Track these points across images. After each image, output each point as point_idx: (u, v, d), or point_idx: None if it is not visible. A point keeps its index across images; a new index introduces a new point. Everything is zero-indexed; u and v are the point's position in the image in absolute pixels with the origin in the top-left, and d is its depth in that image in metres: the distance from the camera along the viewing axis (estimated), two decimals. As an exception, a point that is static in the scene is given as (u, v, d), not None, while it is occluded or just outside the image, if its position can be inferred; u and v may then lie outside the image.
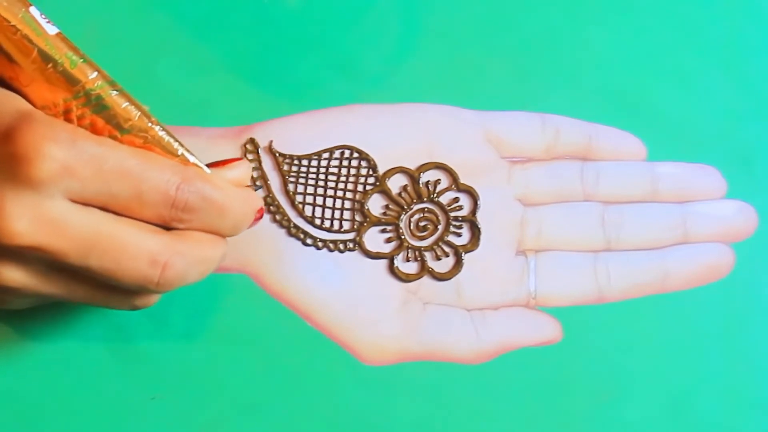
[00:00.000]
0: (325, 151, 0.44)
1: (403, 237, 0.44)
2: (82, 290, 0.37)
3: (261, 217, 0.40)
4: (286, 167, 0.44)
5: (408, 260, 0.44)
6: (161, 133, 0.36)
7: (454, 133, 0.45)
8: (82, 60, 0.35)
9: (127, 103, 0.36)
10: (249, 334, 0.44)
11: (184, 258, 0.36)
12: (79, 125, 0.35)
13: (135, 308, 0.39)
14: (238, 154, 0.44)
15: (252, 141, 0.44)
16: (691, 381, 0.45)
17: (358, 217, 0.44)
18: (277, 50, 0.46)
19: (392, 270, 0.44)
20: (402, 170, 0.44)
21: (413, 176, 0.44)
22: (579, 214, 0.46)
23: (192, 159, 0.37)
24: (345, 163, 0.44)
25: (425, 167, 0.45)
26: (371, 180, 0.44)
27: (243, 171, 0.39)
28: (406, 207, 0.45)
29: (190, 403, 0.43)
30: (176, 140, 0.37)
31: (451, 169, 0.45)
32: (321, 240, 0.44)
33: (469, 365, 0.44)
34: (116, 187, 0.35)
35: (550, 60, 0.48)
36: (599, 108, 0.47)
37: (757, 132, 0.48)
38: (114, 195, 0.35)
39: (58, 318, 0.43)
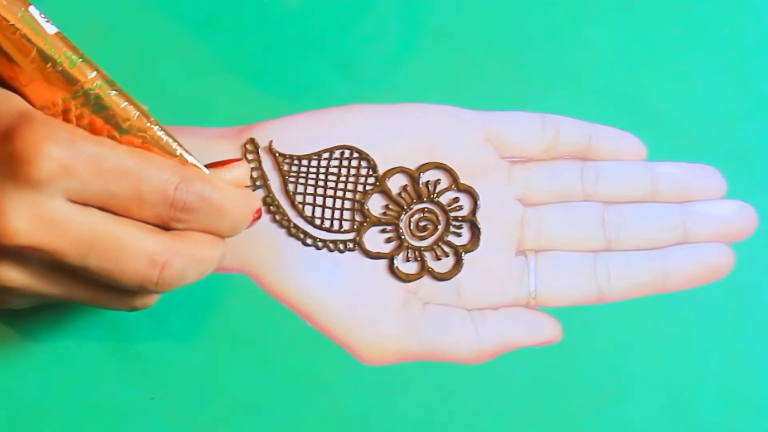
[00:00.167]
0: (325, 151, 0.44)
1: (403, 237, 0.44)
2: (81, 290, 0.37)
3: (259, 217, 0.40)
4: (286, 167, 0.44)
5: (408, 260, 0.44)
6: (160, 133, 0.36)
7: (454, 133, 0.45)
8: (81, 59, 0.35)
9: (126, 103, 0.36)
10: (249, 334, 0.44)
11: (182, 258, 0.36)
12: (78, 125, 0.35)
13: (134, 308, 0.39)
14: (238, 154, 0.44)
15: (252, 141, 0.44)
16: (691, 381, 0.45)
17: (358, 217, 0.44)
18: (277, 50, 0.46)
19: (392, 270, 0.44)
20: (402, 170, 0.44)
21: (413, 176, 0.44)
22: (579, 214, 0.46)
23: (190, 159, 0.37)
24: (345, 163, 0.44)
25: (425, 167, 0.45)
26: (371, 180, 0.44)
27: (242, 171, 0.39)
28: (406, 207, 0.44)
29: (190, 403, 0.43)
30: (175, 140, 0.37)
31: (451, 169, 0.45)
32: (321, 240, 0.44)
33: (469, 365, 0.44)
34: (115, 186, 0.35)
35: (550, 60, 0.48)
36: (599, 108, 0.47)
37: (757, 132, 0.48)
38: (113, 195, 0.35)
39: (58, 318, 0.43)
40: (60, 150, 0.33)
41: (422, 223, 0.45)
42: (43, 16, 0.35)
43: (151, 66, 0.46)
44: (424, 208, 0.45)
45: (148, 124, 0.36)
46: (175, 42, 0.46)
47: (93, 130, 0.35)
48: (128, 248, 0.35)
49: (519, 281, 0.45)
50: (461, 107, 0.46)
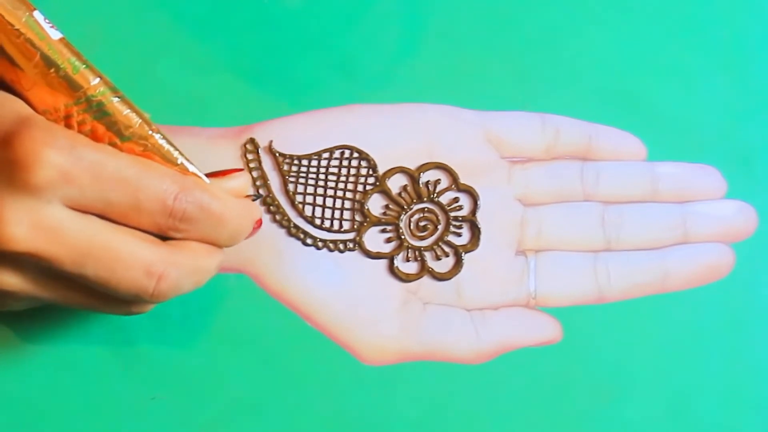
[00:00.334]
0: (325, 151, 0.44)
1: (403, 237, 0.44)
2: (77, 296, 0.37)
3: (259, 227, 0.40)
4: (286, 167, 0.44)
5: (408, 260, 0.44)
6: (161, 142, 0.36)
7: (454, 133, 0.45)
8: (84, 66, 0.35)
9: (129, 110, 0.36)
10: (249, 334, 0.44)
11: (179, 269, 0.36)
12: (80, 131, 0.35)
13: (130, 314, 0.39)
14: (238, 154, 0.44)
15: (252, 141, 0.44)
16: (691, 381, 0.45)
17: (358, 217, 0.44)
18: (277, 50, 0.46)
19: (392, 270, 0.44)
20: (402, 170, 0.44)
21: (413, 176, 0.44)
22: (579, 214, 0.46)
23: (192, 168, 0.37)
24: (345, 163, 0.44)
25: (425, 167, 0.45)
26: (371, 180, 0.44)
27: (242, 182, 0.39)
28: (406, 207, 0.44)
29: (190, 403, 0.43)
30: (176, 149, 0.37)
31: (451, 169, 0.45)
32: (321, 240, 0.44)
33: (469, 365, 0.44)
34: (114, 194, 0.35)
35: (550, 60, 0.48)
36: (599, 108, 0.47)
37: (757, 132, 0.48)
38: (111, 203, 0.35)
39: (58, 319, 0.43)
40: (60, 156, 0.33)
41: (422, 223, 0.45)
42: (47, 21, 0.35)
43: (151, 66, 0.46)
44: (424, 208, 0.45)
45: (150, 132, 0.36)
46: (175, 42, 0.46)
47: (95, 136, 0.35)
48: (125, 258, 0.35)
49: (519, 281, 0.45)
50: (461, 107, 0.46)
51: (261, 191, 0.43)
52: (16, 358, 0.43)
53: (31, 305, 0.39)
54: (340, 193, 0.44)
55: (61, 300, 0.37)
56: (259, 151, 0.44)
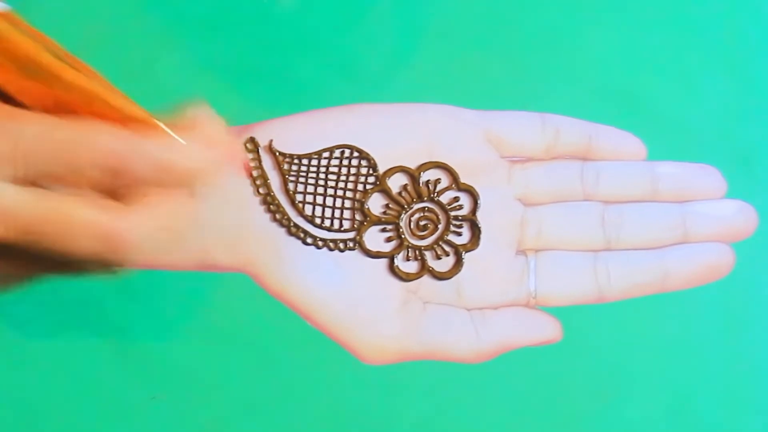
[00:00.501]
0: (325, 150, 0.44)
1: (403, 236, 0.44)
2: (41, 267, 0.36)
3: (248, 170, 0.38)
4: (286, 166, 0.44)
5: (408, 259, 0.44)
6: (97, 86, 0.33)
7: (454, 133, 0.45)
8: None
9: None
10: (249, 334, 0.44)
11: (140, 229, 0.34)
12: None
13: (107, 273, 0.37)
14: (238, 153, 0.44)
15: (252, 140, 0.44)
16: (691, 381, 0.45)
17: (358, 217, 0.44)
18: (277, 50, 0.47)
19: (392, 269, 0.44)
20: (402, 170, 0.44)
21: (413, 175, 0.44)
22: (579, 214, 0.46)
23: (135, 111, 0.34)
24: (345, 162, 0.44)
25: (425, 167, 0.45)
26: (371, 179, 0.44)
27: (213, 129, 0.35)
28: (406, 206, 0.45)
29: (190, 403, 0.43)
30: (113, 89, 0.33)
31: (452, 168, 0.45)
32: (321, 239, 0.44)
33: (469, 365, 0.44)
34: (56, 167, 0.32)
35: (550, 60, 0.48)
36: (599, 108, 0.47)
37: (757, 132, 0.48)
38: (56, 174, 0.32)
39: (58, 318, 0.43)
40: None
41: (422, 223, 0.45)
42: None
43: (151, 66, 0.46)
44: (424, 208, 0.45)
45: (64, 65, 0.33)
46: (175, 42, 0.46)
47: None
48: (79, 229, 0.33)
49: (519, 281, 0.45)
50: (461, 107, 0.46)
51: (261, 190, 0.43)
52: (16, 358, 0.43)
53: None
54: (340, 193, 0.44)
55: (23, 274, 0.35)
56: (259, 151, 0.44)
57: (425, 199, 0.45)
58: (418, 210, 0.45)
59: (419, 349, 0.44)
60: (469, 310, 0.45)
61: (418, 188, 0.45)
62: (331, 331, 0.44)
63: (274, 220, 0.44)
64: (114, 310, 0.42)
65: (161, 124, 0.34)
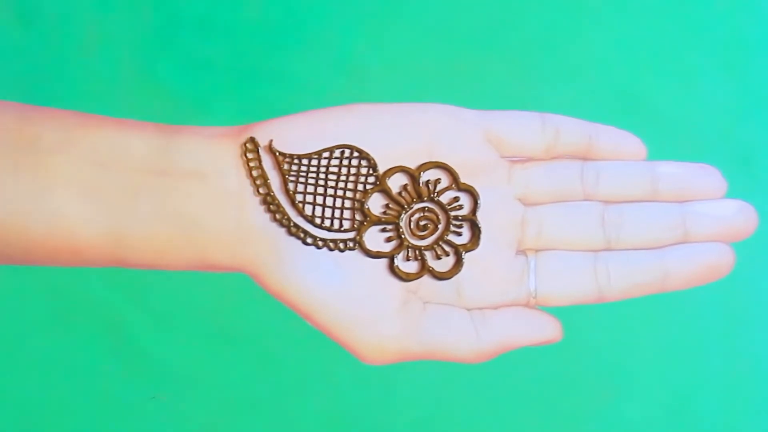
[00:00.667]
0: (325, 150, 0.44)
1: (403, 236, 0.44)
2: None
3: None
4: (286, 166, 0.44)
5: (408, 259, 0.44)
6: None
7: (454, 133, 0.45)
8: None
9: None
10: (249, 334, 0.44)
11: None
12: None
13: None
14: (238, 153, 0.44)
15: (252, 140, 0.44)
16: (691, 381, 0.45)
17: (358, 217, 0.44)
18: (277, 50, 0.47)
19: (392, 269, 0.44)
20: (402, 169, 0.44)
21: (413, 175, 0.44)
22: (579, 214, 0.46)
23: None
24: (345, 162, 0.44)
25: (425, 166, 0.45)
26: (371, 179, 0.44)
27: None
28: (406, 206, 0.44)
29: (190, 403, 0.43)
30: None
31: (452, 168, 0.45)
32: (321, 239, 0.44)
33: (469, 365, 0.44)
34: None
35: (550, 60, 0.48)
36: (599, 108, 0.47)
37: (757, 132, 0.48)
38: None
39: (58, 318, 0.43)
40: None
41: (422, 223, 0.45)
42: None
43: (151, 66, 0.46)
44: (424, 208, 0.45)
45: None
46: (175, 42, 0.46)
47: None
48: None
49: (519, 281, 0.45)
50: (461, 107, 0.46)
51: (261, 190, 0.43)
52: (15, 357, 0.43)
53: None
54: (340, 193, 0.44)
55: None
56: (259, 150, 0.44)
57: (425, 199, 0.45)
58: (418, 210, 0.45)
59: (419, 349, 0.44)
60: (469, 310, 0.45)
61: (418, 188, 0.45)
62: (331, 331, 0.44)
63: (274, 220, 0.44)
64: (114, 310, 0.42)
65: None
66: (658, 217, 0.46)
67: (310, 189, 0.44)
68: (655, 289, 0.45)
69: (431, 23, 0.47)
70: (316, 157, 0.44)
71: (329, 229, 0.44)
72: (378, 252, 0.44)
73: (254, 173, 0.44)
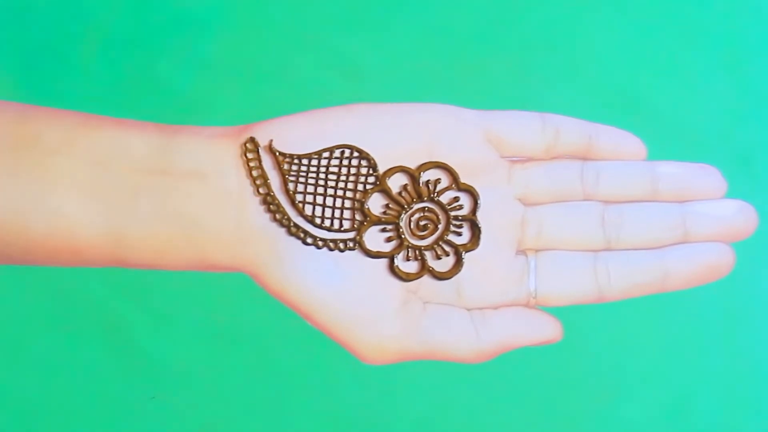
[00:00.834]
0: (325, 150, 0.44)
1: (403, 236, 0.44)
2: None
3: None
4: (286, 166, 0.44)
5: (408, 259, 0.44)
6: None
7: (454, 133, 0.45)
8: None
9: None
10: (249, 334, 0.44)
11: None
12: None
13: None
14: (238, 153, 0.44)
15: (252, 140, 0.44)
16: (691, 381, 0.45)
17: (358, 217, 0.44)
18: (277, 50, 0.47)
19: (392, 269, 0.44)
20: (402, 169, 0.44)
21: (413, 175, 0.44)
22: (579, 214, 0.46)
23: None
24: (345, 162, 0.44)
25: (425, 166, 0.45)
26: (371, 179, 0.44)
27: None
28: (406, 206, 0.44)
29: (190, 403, 0.43)
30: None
31: (452, 168, 0.45)
32: (321, 239, 0.44)
33: (469, 365, 0.44)
34: None
35: (550, 60, 0.48)
36: (599, 108, 0.47)
37: (757, 132, 0.48)
38: None
39: (58, 317, 0.43)
40: None
41: (422, 223, 0.45)
42: None
43: (151, 66, 0.46)
44: (424, 208, 0.45)
45: None
46: (175, 42, 0.46)
47: None
48: None
49: (519, 281, 0.45)
50: (461, 107, 0.46)
51: (261, 190, 0.43)
52: (16, 358, 0.43)
53: None
54: (340, 193, 0.44)
55: None
56: (259, 150, 0.44)
57: (425, 199, 0.45)
58: (418, 210, 0.45)
59: (419, 349, 0.44)
60: (469, 310, 0.45)
61: (418, 188, 0.44)
62: (331, 331, 0.44)
63: (274, 220, 0.44)
64: (114, 310, 0.42)
65: None
66: (658, 217, 0.46)
67: (310, 189, 0.44)
68: (655, 289, 0.45)
69: (431, 23, 0.47)
70: (316, 157, 0.44)
71: (329, 229, 0.44)
72: (378, 252, 0.44)
73: (254, 173, 0.44)
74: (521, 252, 0.45)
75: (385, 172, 0.45)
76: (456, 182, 0.45)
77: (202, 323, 0.44)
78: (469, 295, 0.45)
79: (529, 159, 0.46)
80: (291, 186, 0.44)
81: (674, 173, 0.47)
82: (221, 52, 0.46)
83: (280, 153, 0.44)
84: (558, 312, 0.45)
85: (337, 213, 0.44)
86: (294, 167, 0.44)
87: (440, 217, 0.45)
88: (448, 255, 0.45)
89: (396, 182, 0.45)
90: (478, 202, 0.45)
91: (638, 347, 0.45)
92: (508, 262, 0.45)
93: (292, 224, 0.44)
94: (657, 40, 0.48)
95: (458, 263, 0.45)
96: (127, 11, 0.46)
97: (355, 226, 0.44)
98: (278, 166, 0.44)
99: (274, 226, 0.44)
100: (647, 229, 0.46)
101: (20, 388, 0.43)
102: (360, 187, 0.45)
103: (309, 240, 0.44)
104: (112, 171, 0.42)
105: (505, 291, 0.45)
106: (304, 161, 0.44)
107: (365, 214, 0.44)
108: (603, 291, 0.45)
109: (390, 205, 0.45)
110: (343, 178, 0.44)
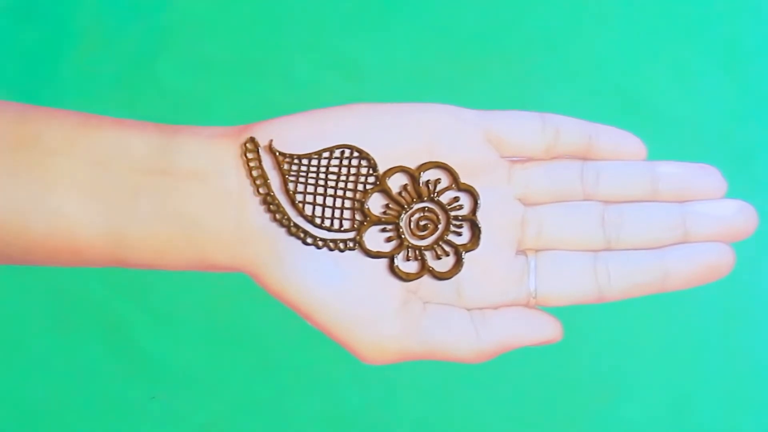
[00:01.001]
0: (325, 150, 0.44)
1: (403, 236, 0.44)
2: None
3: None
4: (286, 166, 0.44)
5: (408, 259, 0.44)
6: None
7: (454, 133, 0.45)
8: None
9: None
10: (249, 334, 0.44)
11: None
12: None
13: None
14: (238, 153, 0.44)
15: (252, 140, 0.44)
16: (691, 381, 0.45)
17: (358, 217, 0.44)
18: (277, 50, 0.47)
19: (392, 269, 0.44)
20: (402, 169, 0.44)
21: (413, 175, 0.44)
22: (579, 214, 0.46)
23: None
24: (345, 162, 0.44)
25: (425, 166, 0.45)
26: (371, 179, 0.44)
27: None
28: (406, 206, 0.44)
29: (190, 403, 0.43)
30: None
31: (452, 168, 0.45)
32: (321, 239, 0.44)
33: (469, 365, 0.44)
34: None
35: (550, 60, 0.48)
36: (599, 108, 0.47)
37: (757, 132, 0.48)
38: None
39: (58, 317, 0.43)
40: None
41: (422, 223, 0.45)
42: None
43: (151, 66, 0.46)
44: (424, 208, 0.45)
45: None
46: (175, 42, 0.46)
47: None
48: None
49: (519, 281, 0.45)
50: (461, 107, 0.46)
51: (261, 190, 0.43)
52: (16, 357, 0.43)
53: None
54: (340, 193, 0.44)
55: None
56: (259, 150, 0.44)
57: (425, 199, 0.45)
58: (418, 210, 0.45)
59: (419, 349, 0.44)
60: (469, 310, 0.45)
61: (418, 188, 0.44)
62: (331, 331, 0.44)
63: (274, 220, 0.44)
64: (114, 310, 0.42)
65: None
66: (658, 217, 0.46)
67: (310, 189, 0.44)
68: (655, 289, 0.45)
69: (431, 23, 0.47)
70: (316, 157, 0.44)
71: (329, 229, 0.44)
72: (378, 252, 0.44)
73: (254, 173, 0.44)
74: (521, 252, 0.45)
75: (385, 172, 0.45)
76: (456, 182, 0.45)
77: (202, 323, 0.44)
78: (469, 295, 0.45)
79: (529, 159, 0.46)
80: (291, 186, 0.44)
81: (674, 173, 0.47)
82: (221, 52, 0.46)
83: (280, 153, 0.44)
84: (558, 312, 0.45)
85: (337, 213, 0.44)
86: (294, 167, 0.44)
87: (440, 217, 0.45)
88: (448, 255, 0.45)
89: (396, 182, 0.45)
90: (478, 202, 0.45)
91: (638, 347, 0.45)
92: (508, 262, 0.45)
93: (292, 224, 0.44)
94: (657, 40, 0.48)
95: (458, 263, 0.45)
96: (127, 11, 0.46)
97: (355, 226, 0.44)
98: (278, 166, 0.44)
99: (274, 226, 0.44)
100: (647, 229, 0.46)
101: (20, 388, 0.43)
102: (360, 187, 0.45)
103: (309, 240, 0.44)
104: (112, 171, 0.42)
105: (505, 291, 0.45)
106: (304, 161, 0.44)
107: (365, 214, 0.44)
108: (603, 291, 0.45)
109: (390, 205, 0.45)
110: (343, 178, 0.44)
